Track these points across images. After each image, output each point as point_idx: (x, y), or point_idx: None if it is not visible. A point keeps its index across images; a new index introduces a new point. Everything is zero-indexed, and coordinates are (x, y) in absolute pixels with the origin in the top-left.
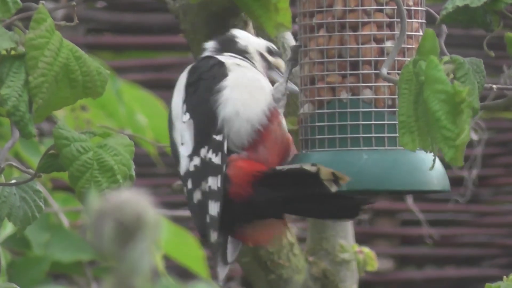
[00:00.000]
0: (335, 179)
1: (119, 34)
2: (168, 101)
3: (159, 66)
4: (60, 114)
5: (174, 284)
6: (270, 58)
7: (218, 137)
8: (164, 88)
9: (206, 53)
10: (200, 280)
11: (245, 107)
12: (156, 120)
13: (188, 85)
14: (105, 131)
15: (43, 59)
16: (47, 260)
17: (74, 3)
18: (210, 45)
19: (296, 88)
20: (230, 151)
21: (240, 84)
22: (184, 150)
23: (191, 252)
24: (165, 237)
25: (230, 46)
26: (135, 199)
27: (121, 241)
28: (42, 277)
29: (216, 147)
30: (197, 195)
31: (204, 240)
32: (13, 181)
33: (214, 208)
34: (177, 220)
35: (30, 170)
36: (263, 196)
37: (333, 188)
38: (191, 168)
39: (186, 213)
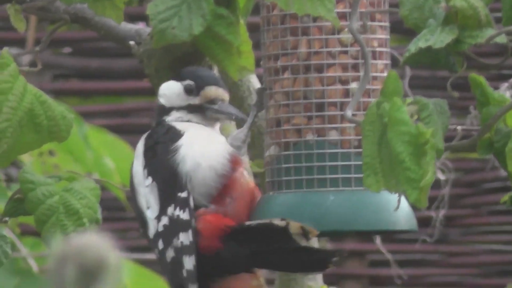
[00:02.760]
0: (304, 233)
1: (85, 79)
2: (134, 145)
3: (125, 111)
4: (28, 159)
5: None
6: (196, 100)
7: (183, 194)
8: (131, 133)
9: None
10: None
11: (205, 157)
12: (123, 164)
13: (146, 151)
14: (71, 175)
15: (7, 104)
16: None
17: (37, 49)
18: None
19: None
20: (197, 206)
21: (195, 141)
22: (150, 213)
23: None
24: (134, 280)
25: (163, 122)
26: (97, 242)
27: (83, 284)
28: None
29: (183, 204)
30: (169, 253)
31: None
32: None
33: (189, 262)
34: (146, 263)
35: None
36: (231, 251)
37: (303, 242)
38: (160, 229)
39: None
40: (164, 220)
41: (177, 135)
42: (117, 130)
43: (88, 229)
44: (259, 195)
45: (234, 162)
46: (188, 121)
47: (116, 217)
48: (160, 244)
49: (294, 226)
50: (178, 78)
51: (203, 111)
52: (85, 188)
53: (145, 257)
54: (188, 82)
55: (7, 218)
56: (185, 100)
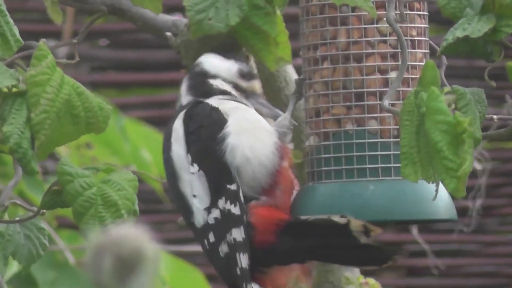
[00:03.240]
0: (366, 231)
1: (123, 71)
2: None
3: (162, 103)
4: (65, 152)
5: None
6: (244, 84)
7: (232, 187)
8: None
9: (186, 98)
10: None
11: (254, 152)
12: (160, 156)
13: (188, 134)
14: (108, 166)
15: (44, 96)
16: None
17: (75, 41)
18: (184, 88)
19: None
20: (247, 198)
21: (242, 129)
22: (198, 202)
23: (198, 287)
24: (171, 273)
25: (204, 88)
26: (134, 234)
27: (120, 275)
28: None
29: (233, 197)
30: (223, 249)
31: None
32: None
33: (243, 260)
34: (183, 255)
35: (34, 208)
36: (287, 245)
37: (363, 240)
38: (211, 221)
39: (192, 248)
40: (215, 213)
41: (221, 119)
42: (154, 122)
43: (126, 221)
44: (297, 185)
45: (283, 154)
46: (230, 95)
47: (153, 210)
48: (211, 237)
49: (355, 224)
50: (229, 57)
51: (247, 96)
52: (123, 179)
53: (181, 250)
54: (244, 66)
55: (44, 211)
56: (235, 78)
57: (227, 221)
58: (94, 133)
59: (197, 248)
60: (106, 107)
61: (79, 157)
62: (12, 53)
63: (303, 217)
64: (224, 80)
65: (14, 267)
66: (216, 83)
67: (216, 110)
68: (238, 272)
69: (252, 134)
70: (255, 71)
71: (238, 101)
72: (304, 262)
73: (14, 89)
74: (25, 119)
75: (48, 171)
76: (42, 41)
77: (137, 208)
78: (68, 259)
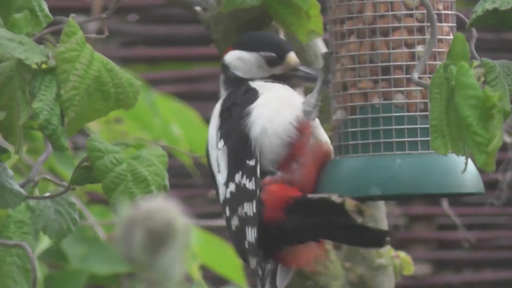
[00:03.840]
0: (359, 211)
1: (152, 46)
2: (202, 111)
3: (192, 77)
4: (95, 127)
5: None
6: (279, 70)
7: (251, 162)
8: (198, 99)
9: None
10: (234, 285)
11: (272, 122)
12: (191, 131)
13: (223, 111)
14: (138, 142)
15: (74, 72)
16: (84, 273)
17: (104, 16)
18: (222, 80)
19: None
20: (264, 172)
21: (267, 103)
22: (221, 178)
23: (228, 261)
24: (202, 247)
25: (236, 82)
26: (165, 207)
27: (152, 248)
28: None
29: (250, 172)
30: (234, 222)
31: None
32: (48, 194)
33: (251, 234)
34: (213, 230)
35: (64, 183)
36: (294, 222)
37: (358, 219)
38: (228, 195)
39: (223, 223)
40: (232, 187)
41: (254, 96)
42: (184, 96)
43: (156, 196)
44: (331, 156)
45: (302, 128)
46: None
47: (183, 184)
48: (227, 211)
49: (350, 204)
50: (250, 48)
51: (288, 79)
52: (152, 155)
53: (212, 224)
54: (269, 54)
55: (75, 186)
56: (267, 71)
57: (240, 195)
58: (124, 109)
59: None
60: (135, 83)
61: (109, 132)
62: (41, 29)
63: (309, 195)
64: (259, 79)
65: (45, 242)
66: (244, 75)
67: (252, 89)
68: (246, 245)
69: (274, 107)
70: (284, 41)
71: (279, 83)
72: (313, 240)
73: (43, 66)
74: (54, 95)
75: (78, 146)
76: (72, 16)
77: (167, 183)
78: (98, 234)
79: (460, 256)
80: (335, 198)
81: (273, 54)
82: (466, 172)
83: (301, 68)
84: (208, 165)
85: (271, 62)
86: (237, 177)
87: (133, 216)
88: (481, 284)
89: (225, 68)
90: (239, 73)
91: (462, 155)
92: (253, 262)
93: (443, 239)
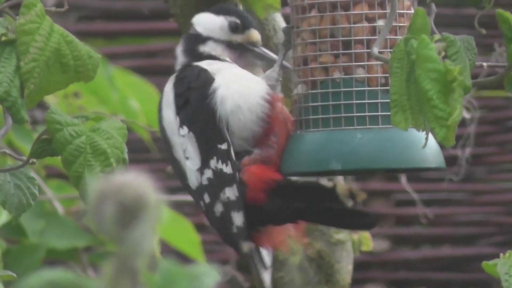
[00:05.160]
0: (352, 195)
1: (110, 20)
2: (160, 86)
3: (150, 52)
4: (53, 100)
5: (176, 266)
6: (238, 38)
7: (223, 146)
8: (156, 74)
9: (180, 60)
10: (193, 262)
11: (244, 98)
12: (148, 105)
13: (177, 97)
14: (97, 115)
15: (34, 44)
16: (42, 247)
17: None
18: (179, 51)
19: (290, 66)
20: (239, 153)
21: (230, 81)
22: (191, 164)
23: (187, 237)
24: (161, 222)
25: (196, 52)
26: (136, 181)
27: (123, 222)
28: (38, 265)
29: (224, 156)
30: (218, 208)
31: (237, 250)
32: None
33: (238, 218)
34: (172, 205)
35: (23, 157)
36: (276, 205)
37: (349, 203)
38: (205, 182)
39: (181, 197)
40: (208, 173)
41: (209, 78)
42: (143, 71)
43: (115, 169)
44: (293, 126)
45: (273, 101)
46: (220, 59)
47: (142, 159)
48: (206, 198)
49: (342, 188)
50: (219, 12)
51: (243, 51)
52: (112, 128)
53: (170, 199)
54: (234, 19)
55: (34, 160)
56: (227, 35)
57: (220, 181)
58: (83, 82)
59: (185, 197)
60: (95, 55)
61: (67, 106)
62: (1, 2)
63: (293, 179)
64: (217, 40)
65: (3, 216)
66: (208, 47)
67: (204, 71)
68: (235, 230)
69: (240, 84)
70: (250, 19)
71: (228, 62)
72: (294, 222)
73: (3, 38)
74: (14, 67)
75: (37, 121)
76: None
77: (126, 156)
78: (57, 209)
79: (418, 232)
80: (325, 182)
81: (238, 21)
82: (427, 147)
83: (260, 47)
84: (167, 148)
85: (233, 28)
86: (212, 162)
87: (104, 190)
88: (439, 260)
89: (189, 27)
90: (199, 29)
91: (423, 130)
92: (244, 246)
93: (401, 215)
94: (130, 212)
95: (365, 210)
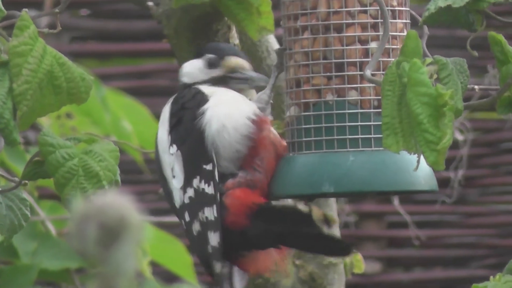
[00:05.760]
0: (326, 220)
1: (103, 41)
2: (153, 107)
3: (143, 73)
4: (46, 122)
5: (158, 286)
6: (218, 72)
7: (208, 166)
8: (149, 95)
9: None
10: (184, 283)
11: (230, 118)
12: (141, 126)
13: (171, 116)
14: (90, 137)
15: (27, 66)
16: (35, 268)
17: (57, 10)
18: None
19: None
20: (224, 175)
21: (219, 103)
22: (176, 182)
23: (178, 258)
24: (152, 243)
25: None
26: (118, 202)
27: (105, 243)
28: (30, 286)
29: (207, 177)
30: (196, 227)
31: (208, 271)
32: None
33: (214, 239)
34: (164, 226)
35: (16, 179)
36: (257, 229)
37: (325, 229)
38: (186, 200)
39: (173, 219)
40: (190, 192)
41: (203, 99)
42: (135, 92)
43: (107, 191)
44: (285, 150)
45: (260, 122)
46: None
47: (134, 180)
48: (187, 216)
49: (317, 213)
50: (198, 54)
51: (226, 82)
52: (104, 150)
53: (162, 220)
54: (209, 55)
55: (26, 182)
56: (208, 73)
57: (200, 200)
58: (76, 104)
59: (177, 219)
60: (87, 77)
61: (60, 127)
62: None
63: (273, 203)
64: (201, 83)
65: None
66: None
67: (201, 93)
68: (210, 250)
69: (228, 105)
70: (229, 46)
71: (223, 86)
72: (276, 246)
73: None
74: (7, 89)
75: (30, 142)
76: (24, 11)
77: (119, 178)
78: (49, 230)
79: (410, 254)
80: (301, 206)
81: (212, 55)
82: (419, 170)
83: (243, 71)
84: (158, 168)
85: (210, 64)
86: (195, 182)
87: (87, 211)
88: (431, 282)
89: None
90: (185, 79)
91: (414, 153)
92: (217, 266)
93: (393, 237)
94: (112, 232)
95: (338, 237)
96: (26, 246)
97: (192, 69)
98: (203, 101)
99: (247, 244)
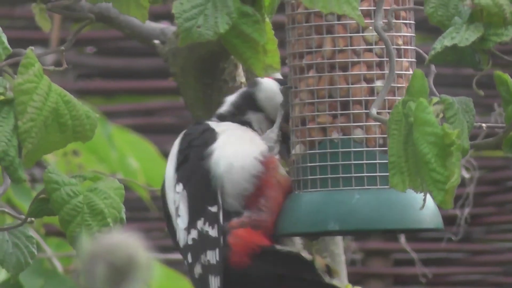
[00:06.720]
0: (328, 270)
1: (109, 79)
2: (159, 144)
3: (149, 110)
4: (52, 159)
5: None
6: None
7: (213, 208)
8: (155, 132)
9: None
10: None
11: (237, 157)
12: (147, 164)
13: (179, 152)
14: (95, 175)
15: (32, 104)
16: None
17: (63, 48)
18: (229, 100)
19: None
20: (229, 213)
21: (228, 143)
22: (181, 222)
23: None
24: (158, 281)
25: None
26: (127, 241)
27: (113, 282)
28: None
29: (212, 219)
30: (197, 269)
31: None
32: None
33: (215, 283)
34: (170, 263)
35: (22, 216)
36: (259, 270)
37: (326, 279)
38: (190, 242)
39: (179, 256)
40: (193, 234)
41: (212, 138)
42: (141, 129)
43: (112, 229)
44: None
45: (267, 162)
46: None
47: (140, 217)
48: (189, 258)
49: (320, 263)
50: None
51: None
52: (109, 187)
53: (168, 257)
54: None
55: (32, 219)
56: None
57: (203, 243)
58: (81, 142)
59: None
60: (93, 115)
61: (66, 164)
62: (0, 61)
63: (277, 247)
64: (267, 117)
65: (2, 275)
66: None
67: (210, 130)
68: None
69: (237, 145)
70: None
71: (239, 123)
72: (276, 287)
73: (1, 97)
74: (12, 127)
75: (36, 179)
76: (30, 49)
77: (124, 216)
78: (56, 267)
79: None
80: (305, 254)
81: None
82: (425, 208)
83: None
84: (163, 204)
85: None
86: (199, 223)
87: (95, 250)
88: None
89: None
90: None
91: (421, 191)
92: None
93: (399, 275)
94: (121, 272)
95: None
96: (33, 283)
97: (271, 99)
98: (211, 140)
99: (248, 284)
